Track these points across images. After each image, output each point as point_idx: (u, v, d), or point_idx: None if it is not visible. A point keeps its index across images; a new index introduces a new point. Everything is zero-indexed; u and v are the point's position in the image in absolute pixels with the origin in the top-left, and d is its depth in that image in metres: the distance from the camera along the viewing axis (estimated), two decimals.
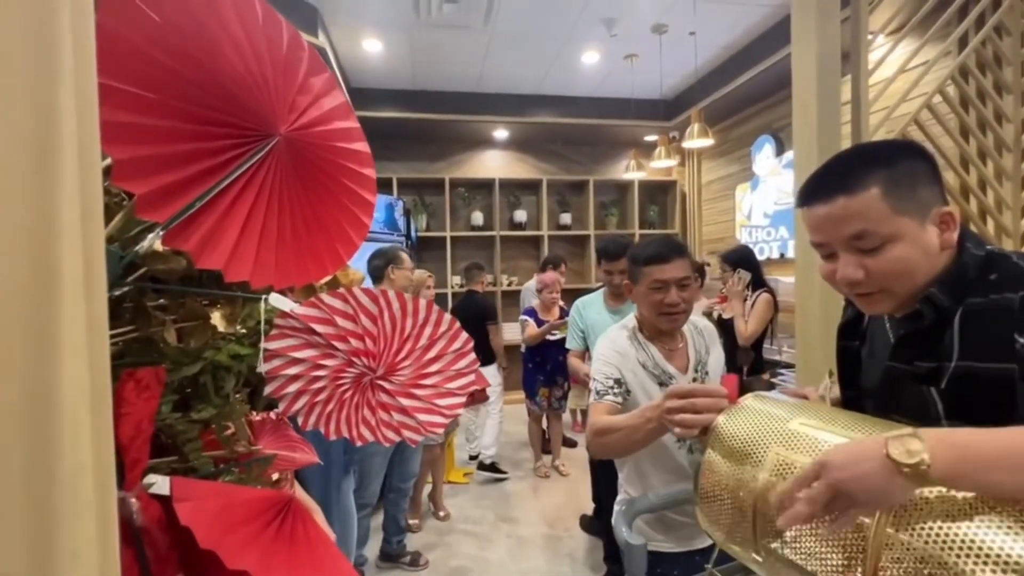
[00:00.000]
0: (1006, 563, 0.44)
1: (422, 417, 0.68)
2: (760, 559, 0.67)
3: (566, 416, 3.89)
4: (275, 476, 0.87)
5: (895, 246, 0.68)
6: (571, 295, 3.26)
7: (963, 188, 1.90)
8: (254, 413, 0.69)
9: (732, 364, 2.67)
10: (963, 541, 0.47)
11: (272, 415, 0.72)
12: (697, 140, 3.25)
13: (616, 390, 1.16)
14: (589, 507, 2.62)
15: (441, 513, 2.86)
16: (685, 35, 3.61)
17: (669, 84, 4.54)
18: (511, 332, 4.14)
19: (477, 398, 2.85)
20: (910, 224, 0.68)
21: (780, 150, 4.05)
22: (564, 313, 3.17)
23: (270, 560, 0.51)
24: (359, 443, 0.69)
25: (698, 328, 1.32)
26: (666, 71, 4.16)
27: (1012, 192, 1.79)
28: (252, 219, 0.57)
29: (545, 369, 3.29)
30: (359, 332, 0.59)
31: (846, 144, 1.71)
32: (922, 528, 0.49)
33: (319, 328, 0.58)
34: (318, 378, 0.62)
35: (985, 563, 0.45)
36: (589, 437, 1.10)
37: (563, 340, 2.69)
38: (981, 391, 0.65)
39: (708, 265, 3.64)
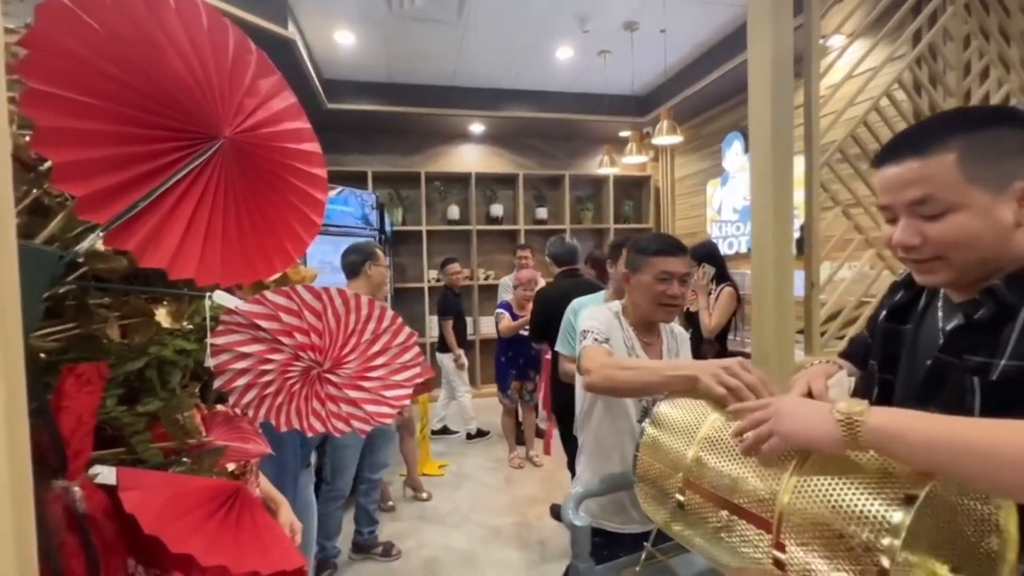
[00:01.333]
0: (881, 524, 0.49)
1: (370, 408, 0.71)
2: (689, 534, 0.72)
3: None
4: (231, 467, 0.89)
5: (958, 215, 0.65)
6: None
7: None
8: (206, 406, 0.71)
9: (697, 356, 2.76)
10: (848, 507, 0.52)
11: (226, 408, 0.74)
12: (666, 137, 3.32)
13: (608, 345, 1.19)
14: (562, 496, 2.69)
15: (424, 495, 3.00)
16: (656, 33, 3.67)
17: (642, 81, 4.60)
18: (489, 326, 4.19)
19: (427, 386, 2.95)
20: (981, 195, 0.65)
21: (748, 147, 4.15)
22: None
23: (215, 545, 0.54)
24: (310, 434, 0.72)
25: (673, 332, 1.40)
26: (639, 68, 4.22)
27: None
28: (196, 219, 0.59)
29: (518, 363, 3.36)
30: (304, 327, 0.62)
31: (799, 146, 1.78)
32: (814, 497, 0.55)
33: (264, 324, 0.60)
34: (266, 372, 0.64)
35: (863, 525, 0.50)
36: (594, 367, 1.08)
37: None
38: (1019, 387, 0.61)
39: None
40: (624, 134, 5.37)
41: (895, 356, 0.82)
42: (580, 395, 1.32)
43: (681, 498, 0.71)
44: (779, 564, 0.57)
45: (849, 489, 0.54)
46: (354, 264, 2.36)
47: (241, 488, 0.62)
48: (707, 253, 2.87)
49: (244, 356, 0.64)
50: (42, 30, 0.47)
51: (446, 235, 5.38)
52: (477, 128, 5.28)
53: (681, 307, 1.27)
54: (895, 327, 0.84)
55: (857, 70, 1.87)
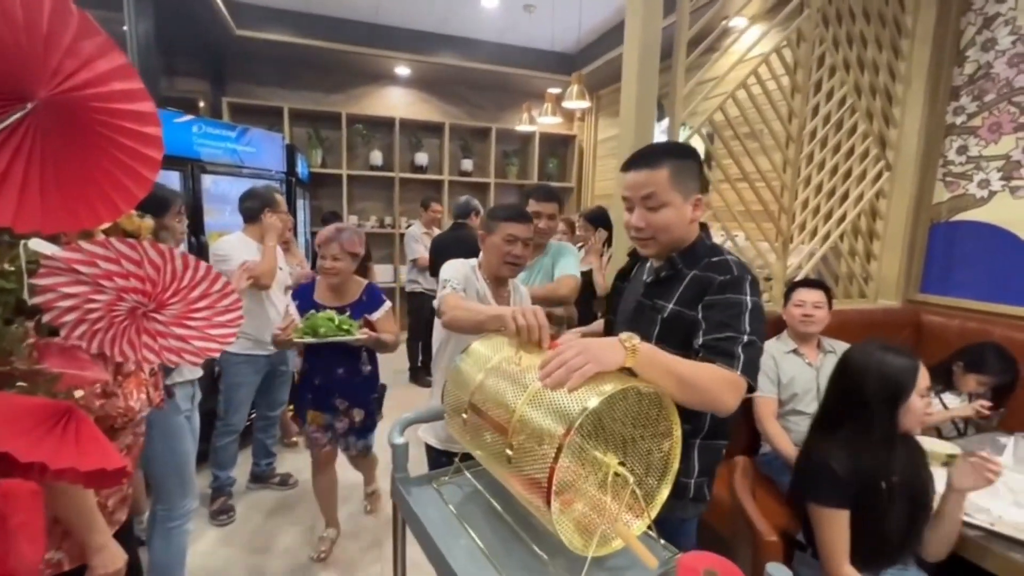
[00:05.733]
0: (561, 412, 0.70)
1: (199, 344, 0.82)
2: (469, 440, 0.92)
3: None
4: (79, 394, 0.99)
5: (667, 209, 1.05)
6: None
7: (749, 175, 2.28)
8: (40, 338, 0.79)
9: (590, 311, 3.04)
10: (554, 408, 0.72)
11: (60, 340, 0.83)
12: (576, 101, 3.44)
13: (464, 293, 1.42)
14: None
15: (293, 439, 3.04)
16: None
17: (570, 39, 4.64)
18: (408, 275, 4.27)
19: None
20: (678, 198, 1.06)
21: (660, 116, 4.36)
22: (371, 296, 2.00)
23: (35, 446, 0.65)
24: (145, 364, 0.83)
25: (517, 288, 1.62)
26: (564, 27, 4.25)
27: (791, 178, 2.19)
28: (11, 173, 0.66)
29: (312, 383, 1.97)
30: (123, 273, 0.72)
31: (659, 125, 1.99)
32: (535, 407, 0.75)
33: (83, 269, 0.70)
34: (93, 310, 0.74)
35: (559, 420, 0.71)
36: (446, 308, 1.34)
37: (343, 346, 1.86)
38: (682, 325, 1.03)
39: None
40: (554, 91, 5.42)
41: (616, 303, 1.25)
42: (437, 334, 1.52)
43: (465, 416, 0.90)
44: (508, 459, 0.77)
45: (555, 402, 0.74)
46: (251, 210, 2.35)
47: (72, 407, 0.73)
48: (600, 217, 3.09)
49: (69, 296, 0.73)
50: None
51: (368, 181, 5.29)
52: (403, 71, 5.12)
53: (522, 266, 1.48)
54: (618, 284, 1.28)
55: (743, 59, 2.08)
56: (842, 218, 2.45)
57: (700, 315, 1.02)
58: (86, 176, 0.73)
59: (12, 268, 0.69)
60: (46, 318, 0.74)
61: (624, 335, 0.85)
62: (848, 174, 2.47)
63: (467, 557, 0.85)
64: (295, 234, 3.26)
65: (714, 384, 0.91)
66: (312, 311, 1.86)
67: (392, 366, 4.52)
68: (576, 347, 0.80)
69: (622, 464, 0.77)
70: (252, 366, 2.32)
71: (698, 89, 1.99)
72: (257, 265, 2.21)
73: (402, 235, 5.33)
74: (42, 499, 0.88)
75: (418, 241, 3.88)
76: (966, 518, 1.25)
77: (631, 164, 1.09)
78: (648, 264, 1.20)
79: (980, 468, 1.15)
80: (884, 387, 1.20)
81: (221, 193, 2.99)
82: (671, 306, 1.07)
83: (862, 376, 1.22)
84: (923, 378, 1.20)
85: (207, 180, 2.86)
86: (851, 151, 2.45)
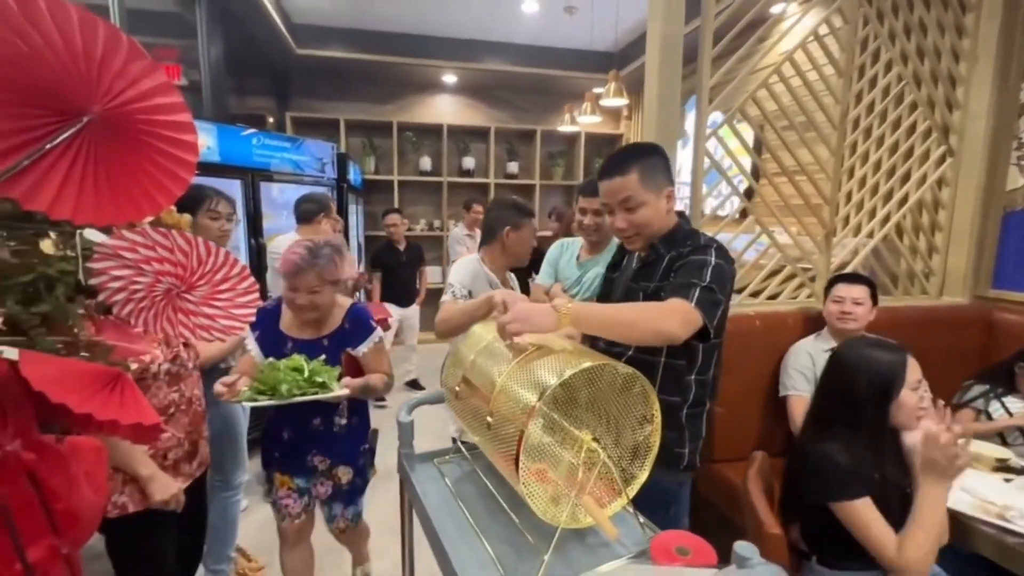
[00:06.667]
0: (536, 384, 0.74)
1: (223, 322, 0.94)
2: (462, 414, 0.98)
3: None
4: (135, 366, 1.14)
5: (644, 208, 1.15)
6: None
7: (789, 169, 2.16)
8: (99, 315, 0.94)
9: None
10: (531, 380, 0.77)
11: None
12: (613, 99, 3.43)
13: (467, 299, 1.58)
14: None
15: None
16: None
17: (609, 39, 4.62)
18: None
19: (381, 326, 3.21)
20: (651, 195, 1.15)
21: None
22: (356, 322, 1.60)
23: (86, 401, 0.78)
24: (180, 340, 0.96)
25: (511, 277, 1.83)
26: (604, 27, 4.24)
27: (833, 167, 2.08)
28: (72, 173, 0.80)
29: (280, 437, 1.57)
30: (158, 258, 0.85)
31: (690, 113, 1.95)
32: (512, 379, 0.80)
33: (127, 254, 0.83)
34: (136, 290, 0.88)
35: (531, 389, 0.75)
36: (438, 319, 1.48)
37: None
38: (659, 295, 1.12)
39: None
40: (599, 90, 5.40)
41: (608, 293, 1.37)
42: None
43: (457, 389, 0.96)
44: (489, 425, 0.82)
45: (532, 373, 0.79)
46: (308, 212, 2.57)
47: (122, 374, 0.87)
48: None
49: (117, 278, 0.87)
50: None
51: (417, 186, 5.51)
52: (450, 79, 5.30)
53: None
54: (610, 276, 1.42)
55: (781, 46, 2.02)
56: (901, 202, 2.29)
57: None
58: (132, 177, 0.86)
59: (72, 254, 0.83)
60: (101, 297, 0.89)
61: (557, 301, 0.95)
62: (906, 157, 2.30)
63: (456, 529, 0.91)
64: (347, 238, 3.48)
65: (654, 315, 0.99)
66: (293, 350, 1.44)
67: (431, 364, 4.69)
68: (512, 313, 0.90)
69: (596, 440, 0.80)
70: None
71: (728, 78, 1.93)
72: None
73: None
74: (105, 455, 1.04)
75: (460, 243, 4.01)
76: (1009, 525, 1.15)
77: (603, 174, 1.19)
78: (636, 255, 1.30)
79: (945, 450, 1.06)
80: (873, 384, 1.18)
81: (279, 200, 3.25)
82: (654, 284, 1.19)
83: (851, 374, 1.20)
84: (913, 371, 1.17)
85: (266, 188, 3.13)
86: (908, 134, 2.29)
